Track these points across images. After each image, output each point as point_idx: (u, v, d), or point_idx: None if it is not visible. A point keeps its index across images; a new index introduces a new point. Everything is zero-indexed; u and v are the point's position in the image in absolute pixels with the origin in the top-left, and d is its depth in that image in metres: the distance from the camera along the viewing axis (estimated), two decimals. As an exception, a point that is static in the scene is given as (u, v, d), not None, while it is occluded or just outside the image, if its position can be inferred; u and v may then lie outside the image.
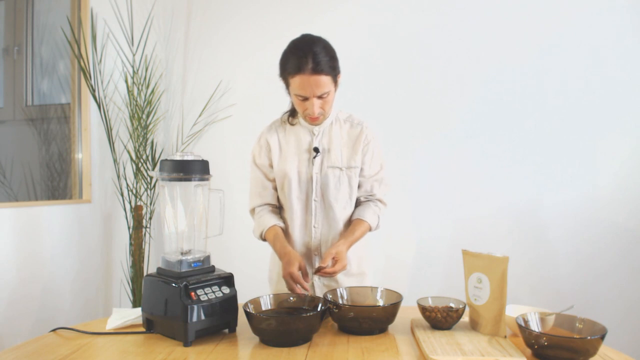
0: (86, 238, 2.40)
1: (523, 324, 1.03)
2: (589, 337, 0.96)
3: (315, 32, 1.34)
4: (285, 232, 1.47)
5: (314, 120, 1.38)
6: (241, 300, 1.20)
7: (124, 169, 2.53)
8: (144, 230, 2.53)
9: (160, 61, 2.78)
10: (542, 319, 1.07)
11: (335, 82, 1.33)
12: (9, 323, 1.95)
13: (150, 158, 2.55)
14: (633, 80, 2.40)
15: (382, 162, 1.49)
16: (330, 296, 1.24)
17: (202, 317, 1.10)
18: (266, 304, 1.22)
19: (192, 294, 1.10)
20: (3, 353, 1.07)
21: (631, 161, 2.41)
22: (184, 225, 1.21)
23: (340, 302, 1.26)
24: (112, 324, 1.22)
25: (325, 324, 1.24)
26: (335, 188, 1.42)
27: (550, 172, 2.47)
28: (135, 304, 2.49)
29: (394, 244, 2.55)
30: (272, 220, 1.44)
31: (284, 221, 1.48)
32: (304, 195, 1.44)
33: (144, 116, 2.52)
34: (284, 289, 1.35)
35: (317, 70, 1.24)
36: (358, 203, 1.50)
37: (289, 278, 1.28)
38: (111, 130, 2.41)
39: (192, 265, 1.17)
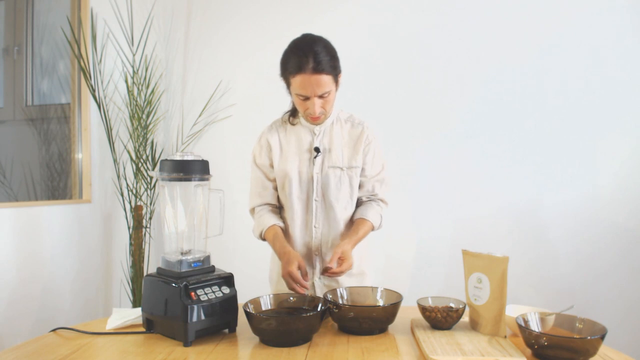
0: (86, 238, 2.40)
1: (523, 324, 1.03)
2: (589, 337, 0.96)
3: (315, 32, 1.34)
4: (286, 232, 1.47)
5: (315, 120, 1.38)
6: (241, 300, 1.20)
7: (124, 169, 2.53)
8: (144, 230, 2.53)
9: (160, 61, 2.78)
10: (542, 319, 1.07)
11: (336, 81, 1.33)
12: (9, 323, 1.95)
13: (150, 158, 2.55)
14: (633, 80, 2.40)
15: (383, 162, 1.49)
16: (330, 296, 1.24)
17: (202, 317, 1.10)
18: (266, 304, 1.22)
19: (192, 294, 1.10)
20: (3, 353, 1.07)
21: (631, 161, 2.41)
22: (184, 225, 1.21)
23: (340, 302, 1.26)
24: (112, 324, 1.22)
25: (325, 324, 1.24)
26: (336, 188, 1.42)
27: (550, 172, 2.47)
28: (135, 304, 2.49)
29: (394, 243, 2.55)
30: (272, 220, 1.44)
31: (284, 221, 1.48)
32: (305, 195, 1.44)
33: (144, 116, 2.52)
34: (284, 289, 1.35)
35: (318, 70, 1.24)
36: (360, 203, 1.50)
37: (288, 277, 1.28)
38: (111, 130, 2.41)
39: (192, 265, 1.17)
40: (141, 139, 2.50)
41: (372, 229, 1.45)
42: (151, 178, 2.54)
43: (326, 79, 1.27)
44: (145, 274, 2.33)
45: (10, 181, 2.36)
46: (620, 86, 2.40)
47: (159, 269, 1.20)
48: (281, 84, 1.37)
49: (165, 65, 2.81)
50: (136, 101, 2.51)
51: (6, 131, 2.54)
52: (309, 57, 1.24)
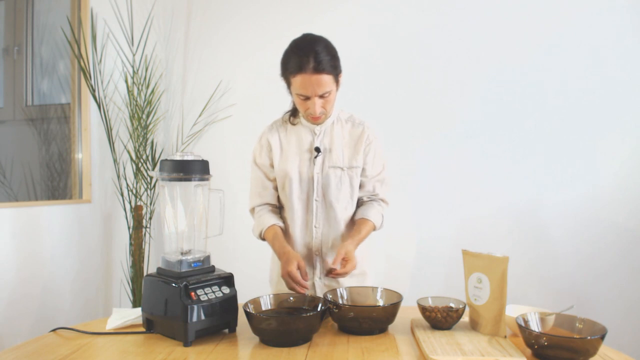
0: (86, 238, 2.40)
1: (523, 324, 1.03)
2: (589, 337, 0.96)
3: (315, 32, 1.34)
4: (286, 232, 1.47)
5: (315, 120, 1.38)
6: (241, 300, 1.20)
7: (124, 169, 2.52)
8: (144, 230, 2.53)
9: (160, 61, 2.78)
10: (542, 319, 1.07)
11: (337, 81, 1.33)
12: (9, 323, 1.95)
13: (150, 158, 2.55)
14: (633, 80, 2.40)
15: (383, 162, 1.49)
16: (330, 296, 1.24)
17: (202, 317, 1.10)
18: (266, 304, 1.22)
19: (192, 294, 1.10)
20: (3, 353, 1.07)
21: (631, 161, 2.41)
22: (184, 225, 1.21)
23: (340, 302, 1.26)
24: (112, 324, 1.22)
25: (325, 324, 1.24)
26: (337, 188, 1.42)
27: (550, 172, 2.47)
28: (135, 304, 2.49)
29: (395, 243, 2.55)
30: (272, 219, 1.44)
31: (285, 221, 1.48)
32: (305, 195, 1.44)
33: (144, 116, 2.52)
34: (284, 289, 1.35)
35: (318, 70, 1.24)
36: (361, 203, 1.50)
37: (288, 277, 1.28)
38: (111, 130, 2.41)
39: (192, 265, 1.17)
40: (141, 139, 2.50)
41: (374, 228, 1.45)
42: (151, 178, 2.54)
43: (327, 79, 1.27)
44: (145, 274, 2.33)
45: (10, 181, 2.36)
46: (620, 86, 2.40)
47: (159, 269, 1.20)
48: (281, 84, 1.36)
49: (165, 65, 2.81)
50: (136, 101, 2.51)
51: (6, 131, 2.54)
52: (309, 56, 1.24)
